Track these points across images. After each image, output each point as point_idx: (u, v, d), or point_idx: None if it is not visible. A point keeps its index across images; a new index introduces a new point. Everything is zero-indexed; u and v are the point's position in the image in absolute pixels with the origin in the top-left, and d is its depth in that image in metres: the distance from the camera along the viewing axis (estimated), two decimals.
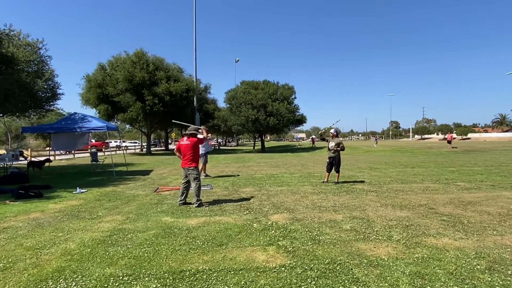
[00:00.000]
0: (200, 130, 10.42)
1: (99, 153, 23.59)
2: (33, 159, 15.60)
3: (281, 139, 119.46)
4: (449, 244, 3.83)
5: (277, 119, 31.24)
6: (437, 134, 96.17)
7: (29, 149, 22.46)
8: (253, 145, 49.20)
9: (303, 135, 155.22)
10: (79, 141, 13.47)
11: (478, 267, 3.19)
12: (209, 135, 10.04)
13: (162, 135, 68.37)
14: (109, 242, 4.03)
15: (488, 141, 51.52)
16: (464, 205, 5.93)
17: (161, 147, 51.95)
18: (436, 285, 2.83)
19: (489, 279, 2.95)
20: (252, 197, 6.97)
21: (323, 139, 9.62)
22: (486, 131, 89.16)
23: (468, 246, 3.77)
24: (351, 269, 3.17)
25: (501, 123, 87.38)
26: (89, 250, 3.76)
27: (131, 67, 25.41)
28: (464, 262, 3.30)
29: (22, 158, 20.17)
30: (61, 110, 24.85)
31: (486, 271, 3.10)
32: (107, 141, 27.91)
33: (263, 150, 37.25)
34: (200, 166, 10.19)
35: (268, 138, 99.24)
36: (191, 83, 29.06)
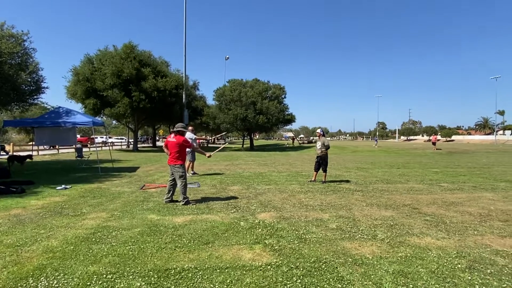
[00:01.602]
0: (190, 128, 10.37)
1: (84, 149, 23.15)
2: (15, 153, 15.19)
3: (270, 137, 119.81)
4: (432, 243, 3.92)
5: (267, 118, 31.31)
6: (422, 136, 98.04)
7: (12, 144, 21.84)
8: (242, 143, 49.16)
9: (292, 134, 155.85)
10: (64, 136, 13.15)
11: (459, 266, 3.28)
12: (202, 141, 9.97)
13: (149, 132, 67.54)
14: (93, 239, 3.96)
15: (471, 143, 52.90)
16: (447, 206, 6.08)
17: (148, 143, 51.32)
18: (419, 284, 2.89)
19: (469, 277, 3.03)
20: (240, 195, 6.97)
21: (309, 142, 9.67)
22: (470, 134, 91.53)
23: (450, 245, 3.86)
24: (336, 267, 3.21)
25: (483, 126, 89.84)
26: (72, 247, 3.68)
27: (120, 62, 24.97)
28: (445, 261, 3.39)
29: (4, 153, 19.62)
30: (45, 104, 24.25)
31: (467, 270, 3.18)
32: (93, 136, 27.35)
33: (252, 148, 37.30)
34: (187, 163, 10.11)
35: (257, 136, 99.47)
36: (179, 79, 28.78)
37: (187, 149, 9.61)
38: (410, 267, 3.22)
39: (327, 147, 8.88)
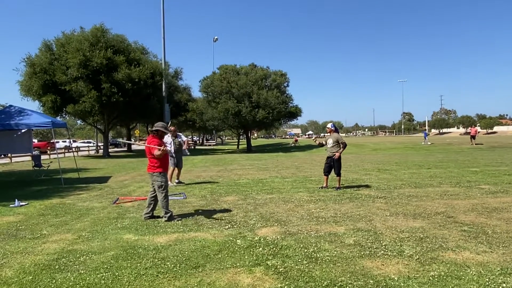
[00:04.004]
0: (172, 129, 10.31)
1: (43, 156, 23.14)
2: None
3: (271, 136, 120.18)
4: (471, 259, 3.96)
5: (267, 112, 31.28)
6: (458, 128, 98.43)
7: None
8: (237, 143, 49.26)
9: (298, 130, 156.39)
10: (17, 142, 13.14)
11: (504, 285, 3.30)
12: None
13: (123, 133, 67.51)
14: (57, 267, 3.97)
15: None
16: (488, 212, 6.12)
17: (122, 147, 51.31)
18: None
19: None
20: (236, 207, 6.99)
21: (321, 145, 9.64)
22: None
23: (493, 260, 3.90)
24: None
25: None
26: (30, 277, 3.69)
27: (88, 49, 24.87)
28: (487, 280, 3.41)
29: None
30: None
31: None
32: (53, 141, 27.32)
33: (249, 149, 37.36)
34: (171, 170, 10.12)
35: (256, 135, 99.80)
36: (157, 67, 28.75)
37: (169, 154, 9.59)
38: None
39: (344, 145, 8.88)
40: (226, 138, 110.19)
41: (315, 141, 9.72)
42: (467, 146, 30.66)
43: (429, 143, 35.37)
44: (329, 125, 9.18)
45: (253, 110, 31.33)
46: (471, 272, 3.59)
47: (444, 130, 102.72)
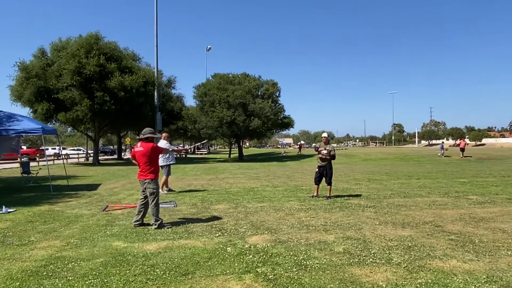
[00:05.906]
0: (163, 135, 10.40)
1: (32, 163, 22.88)
2: None
3: (263, 145, 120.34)
4: (457, 267, 4.02)
5: (262, 121, 31.33)
6: (447, 139, 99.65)
7: None
8: (228, 152, 49.24)
9: (290, 140, 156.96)
10: (5, 145, 13.00)
11: None
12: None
13: (113, 140, 67.14)
14: (44, 273, 3.93)
15: (505, 148, 53.94)
16: (475, 222, 6.22)
17: (113, 155, 50.95)
18: None
19: None
20: (226, 215, 7.00)
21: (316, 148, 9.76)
22: (503, 136, 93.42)
23: (479, 269, 3.96)
24: None
25: None
26: (18, 284, 3.66)
27: (84, 56, 24.77)
28: (473, 287, 3.47)
29: None
30: None
31: None
32: (43, 147, 27.06)
33: (241, 158, 37.35)
34: (163, 179, 10.09)
35: (247, 144, 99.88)
36: (150, 75, 28.75)
37: (161, 163, 9.62)
38: None
39: (333, 157, 8.96)
40: (218, 147, 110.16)
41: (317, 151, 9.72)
42: (456, 157, 31.05)
43: (442, 156, 33.21)
44: (325, 135, 9.22)
45: (247, 118, 31.39)
46: (457, 280, 3.65)
47: (434, 141, 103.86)
